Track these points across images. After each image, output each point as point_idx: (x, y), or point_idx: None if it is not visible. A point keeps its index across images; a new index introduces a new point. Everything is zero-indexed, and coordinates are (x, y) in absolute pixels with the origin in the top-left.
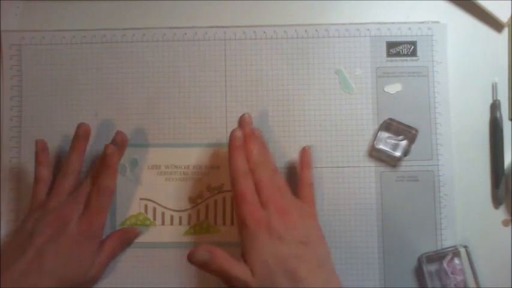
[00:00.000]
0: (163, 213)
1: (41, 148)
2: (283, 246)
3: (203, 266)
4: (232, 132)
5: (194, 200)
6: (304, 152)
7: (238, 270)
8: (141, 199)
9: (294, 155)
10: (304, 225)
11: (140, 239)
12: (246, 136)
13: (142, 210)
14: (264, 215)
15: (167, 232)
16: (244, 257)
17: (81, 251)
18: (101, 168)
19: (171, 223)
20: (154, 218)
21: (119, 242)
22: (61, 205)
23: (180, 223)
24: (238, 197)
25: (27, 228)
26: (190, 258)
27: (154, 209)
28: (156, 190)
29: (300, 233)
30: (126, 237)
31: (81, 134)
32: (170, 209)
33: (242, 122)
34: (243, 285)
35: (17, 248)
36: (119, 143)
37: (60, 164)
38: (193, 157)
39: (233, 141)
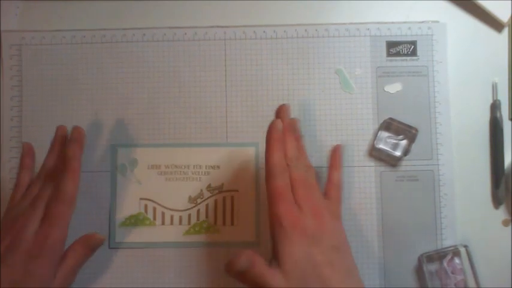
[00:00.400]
0: (163, 213)
1: (26, 152)
2: (318, 250)
3: (241, 275)
4: (273, 123)
5: (194, 200)
6: (336, 151)
7: (272, 277)
8: (141, 199)
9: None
10: (334, 228)
11: (140, 239)
12: (285, 128)
13: (143, 210)
14: (299, 216)
15: (167, 232)
16: (277, 257)
17: (38, 265)
18: (62, 170)
19: (171, 223)
20: (155, 218)
21: (82, 250)
22: (20, 215)
23: (180, 223)
24: (275, 194)
25: None
26: (231, 268)
27: (155, 209)
28: (156, 190)
29: (333, 237)
30: (90, 245)
31: (58, 136)
32: (170, 209)
33: (281, 112)
34: None
35: None
36: (77, 139)
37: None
38: (194, 157)
39: (272, 132)
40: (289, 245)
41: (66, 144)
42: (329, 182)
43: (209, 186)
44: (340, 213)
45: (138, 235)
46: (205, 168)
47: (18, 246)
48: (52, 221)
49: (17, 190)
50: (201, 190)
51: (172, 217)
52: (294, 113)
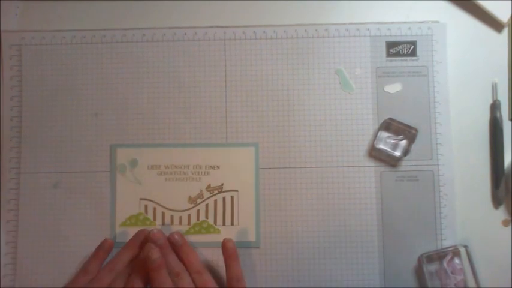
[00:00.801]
0: (163, 213)
1: (104, 247)
2: None
3: None
4: (150, 254)
5: (194, 200)
6: (226, 247)
7: None
8: (141, 199)
9: (294, 155)
10: None
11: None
12: (161, 248)
13: (143, 210)
14: None
15: (167, 232)
16: None
17: None
18: (138, 267)
19: (172, 223)
20: (155, 218)
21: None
22: None
23: (180, 223)
24: None
25: None
26: None
27: (155, 209)
28: (156, 190)
29: None
30: None
31: (105, 247)
32: (170, 209)
33: (154, 239)
34: None
35: None
36: (164, 246)
37: None
38: (193, 157)
39: (152, 262)
40: None
41: (151, 248)
42: (228, 278)
43: (209, 186)
44: None
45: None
46: (205, 169)
47: None
48: None
49: (84, 275)
50: (201, 190)
51: (172, 217)
52: (293, 113)
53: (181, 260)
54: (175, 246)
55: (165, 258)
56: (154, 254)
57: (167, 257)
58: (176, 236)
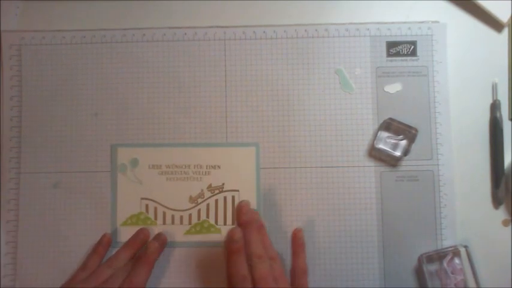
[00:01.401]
0: (164, 213)
1: (104, 242)
2: None
3: None
4: (231, 234)
5: (195, 200)
6: (296, 237)
7: None
8: (142, 199)
9: (294, 155)
10: None
11: None
12: (245, 225)
13: (144, 210)
14: None
15: (168, 232)
16: None
17: None
18: (138, 261)
19: (172, 223)
20: (156, 218)
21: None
22: None
23: (181, 222)
24: None
25: None
26: None
27: (156, 209)
28: (157, 190)
29: None
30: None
31: (104, 242)
32: (171, 209)
33: (240, 210)
34: None
35: None
36: (162, 242)
37: None
38: (194, 157)
39: (231, 244)
40: None
41: (151, 242)
42: (294, 270)
43: (210, 186)
44: None
45: None
46: (206, 168)
47: None
48: None
49: (83, 270)
50: (202, 190)
51: (173, 217)
52: (293, 113)
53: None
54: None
55: (249, 237)
56: (237, 233)
57: (252, 236)
58: (255, 215)
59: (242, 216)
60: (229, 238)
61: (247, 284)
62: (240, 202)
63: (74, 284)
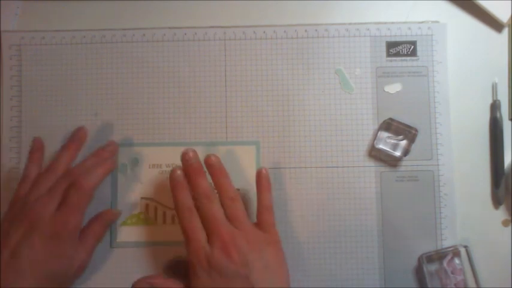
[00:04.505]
0: (164, 213)
1: (36, 147)
2: (222, 281)
3: None
4: (171, 173)
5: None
6: (261, 175)
7: None
8: (142, 198)
9: (293, 155)
10: (254, 254)
11: (142, 239)
12: (190, 171)
13: (144, 210)
14: (206, 251)
15: (168, 231)
16: None
17: (58, 249)
18: (90, 163)
19: (173, 222)
20: (156, 217)
21: (100, 228)
22: (36, 201)
23: None
24: (183, 236)
25: (5, 226)
26: None
27: (156, 208)
28: (157, 189)
29: (240, 265)
30: (106, 221)
31: (76, 137)
32: (171, 208)
33: (184, 158)
34: None
35: None
36: (112, 147)
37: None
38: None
39: (171, 181)
40: (196, 281)
41: (107, 143)
42: (258, 206)
43: (210, 184)
44: (275, 237)
45: (139, 234)
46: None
47: (37, 228)
48: (71, 208)
49: (24, 182)
50: None
51: (173, 216)
52: (293, 113)
53: (214, 184)
54: (211, 168)
55: (195, 180)
56: (176, 171)
57: (196, 179)
58: (213, 158)
59: (189, 161)
60: (170, 177)
61: (193, 218)
62: (186, 153)
63: (19, 196)
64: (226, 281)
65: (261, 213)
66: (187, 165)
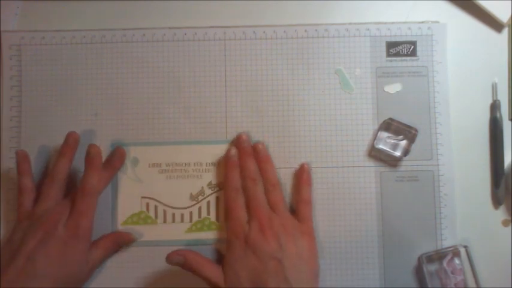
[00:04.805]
0: (165, 211)
1: (21, 158)
2: (256, 260)
3: (180, 266)
4: (227, 151)
5: (195, 197)
6: (303, 169)
7: (210, 272)
8: (142, 197)
9: (293, 156)
10: (289, 240)
11: (142, 238)
12: (242, 153)
13: (144, 209)
14: (244, 230)
15: (169, 230)
16: (222, 266)
17: (72, 252)
18: (84, 171)
19: (173, 221)
20: (156, 216)
21: (113, 244)
22: (48, 211)
23: (182, 221)
24: (226, 213)
25: (17, 239)
26: (167, 261)
27: (156, 207)
28: (157, 188)
29: (275, 248)
30: (121, 241)
31: (71, 142)
32: (172, 207)
33: (239, 140)
34: (214, 286)
35: (8, 258)
36: (118, 155)
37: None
38: (194, 154)
39: (226, 159)
40: (231, 255)
41: (89, 145)
42: (298, 199)
43: (210, 183)
44: (310, 229)
45: (140, 234)
46: (206, 166)
47: (52, 237)
48: (80, 213)
49: (23, 195)
50: (202, 187)
51: (174, 215)
52: (293, 113)
53: (260, 169)
54: (257, 154)
55: (244, 163)
56: (232, 150)
57: (246, 162)
58: (260, 146)
59: (242, 144)
60: (226, 154)
61: (239, 199)
62: (240, 135)
63: (25, 211)
64: (259, 261)
65: (300, 205)
66: (241, 147)
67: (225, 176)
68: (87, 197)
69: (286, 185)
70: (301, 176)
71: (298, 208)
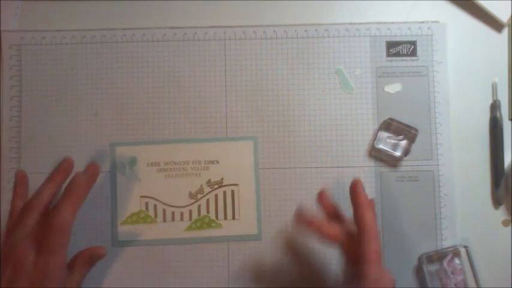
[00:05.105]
0: (164, 210)
1: (20, 180)
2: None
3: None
4: (356, 184)
5: (195, 196)
6: (357, 186)
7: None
8: (141, 197)
9: (294, 155)
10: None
11: (142, 237)
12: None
13: (143, 208)
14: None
15: (169, 229)
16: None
17: None
18: (58, 201)
19: (173, 219)
20: (156, 215)
21: (86, 265)
22: (17, 245)
23: (182, 219)
24: (376, 255)
25: None
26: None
27: (155, 206)
28: (156, 187)
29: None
30: (93, 259)
31: (63, 168)
32: (171, 206)
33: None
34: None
35: None
36: (91, 173)
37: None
38: (192, 153)
39: (362, 198)
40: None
41: (75, 174)
42: (357, 204)
43: (209, 181)
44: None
45: (140, 233)
46: (205, 164)
47: (20, 276)
48: (51, 251)
49: (12, 218)
50: (201, 185)
51: (173, 213)
52: (293, 113)
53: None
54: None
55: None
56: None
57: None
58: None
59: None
60: (358, 192)
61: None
62: (355, 181)
63: (9, 234)
64: None
65: (359, 209)
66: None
67: (365, 216)
68: (59, 232)
69: (286, 184)
70: (357, 195)
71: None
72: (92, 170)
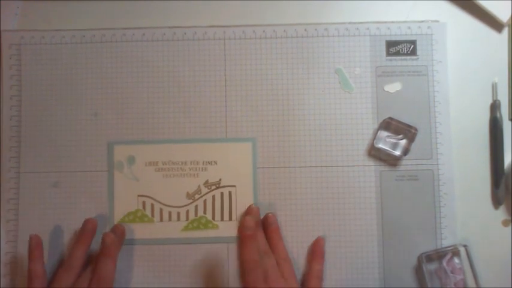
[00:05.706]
0: (161, 210)
1: (35, 244)
2: None
3: None
4: (244, 222)
5: (192, 196)
6: (318, 243)
7: None
8: (139, 196)
9: (293, 155)
10: None
11: (139, 236)
12: (259, 224)
13: (141, 207)
14: None
15: (165, 228)
16: None
17: None
18: (99, 257)
19: (170, 219)
20: (153, 215)
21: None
22: None
23: (179, 219)
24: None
25: None
26: None
27: (152, 206)
28: (153, 187)
29: None
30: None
31: (88, 229)
32: (168, 205)
33: (250, 212)
34: None
35: None
36: (119, 234)
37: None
38: (190, 153)
39: (244, 230)
40: None
41: (105, 233)
42: (309, 272)
43: (206, 182)
44: None
45: (136, 232)
46: (203, 164)
47: None
48: None
49: (33, 282)
50: (199, 186)
51: (170, 213)
52: (293, 112)
53: (269, 242)
54: (269, 226)
55: (257, 237)
56: (250, 222)
57: (257, 234)
58: (272, 217)
59: (254, 217)
60: (243, 225)
61: (258, 272)
62: (251, 206)
63: None
64: None
65: (310, 280)
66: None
67: (243, 249)
68: (105, 280)
69: (285, 184)
70: (315, 250)
71: (309, 282)
72: (120, 230)
